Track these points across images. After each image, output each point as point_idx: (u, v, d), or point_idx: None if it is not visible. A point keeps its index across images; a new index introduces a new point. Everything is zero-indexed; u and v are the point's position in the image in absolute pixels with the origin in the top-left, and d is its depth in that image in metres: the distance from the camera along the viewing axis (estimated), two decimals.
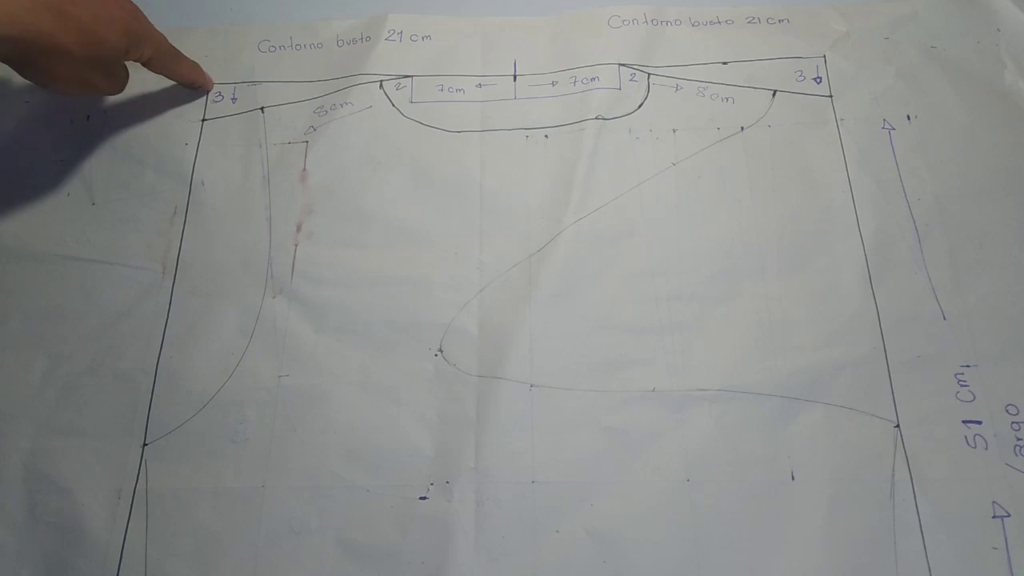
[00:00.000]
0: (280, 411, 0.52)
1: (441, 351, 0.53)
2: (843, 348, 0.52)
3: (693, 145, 0.59)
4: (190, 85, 0.63)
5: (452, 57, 0.64)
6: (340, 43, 0.65)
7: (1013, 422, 0.49)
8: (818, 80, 0.61)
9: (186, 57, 0.61)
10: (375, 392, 0.52)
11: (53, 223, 0.59)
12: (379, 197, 0.59)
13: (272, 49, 0.65)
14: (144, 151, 0.61)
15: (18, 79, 0.63)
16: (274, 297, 0.55)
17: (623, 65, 0.62)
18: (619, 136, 0.60)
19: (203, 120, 0.62)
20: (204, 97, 0.63)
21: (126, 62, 0.57)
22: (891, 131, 0.59)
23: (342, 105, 0.62)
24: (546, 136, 0.60)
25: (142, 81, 0.63)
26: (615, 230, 0.57)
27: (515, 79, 0.63)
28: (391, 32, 0.65)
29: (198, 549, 0.49)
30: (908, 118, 0.59)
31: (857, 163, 0.58)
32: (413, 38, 0.65)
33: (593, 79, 0.62)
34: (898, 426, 0.50)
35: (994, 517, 0.47)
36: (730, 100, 0.61)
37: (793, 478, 0.49)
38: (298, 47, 0.65)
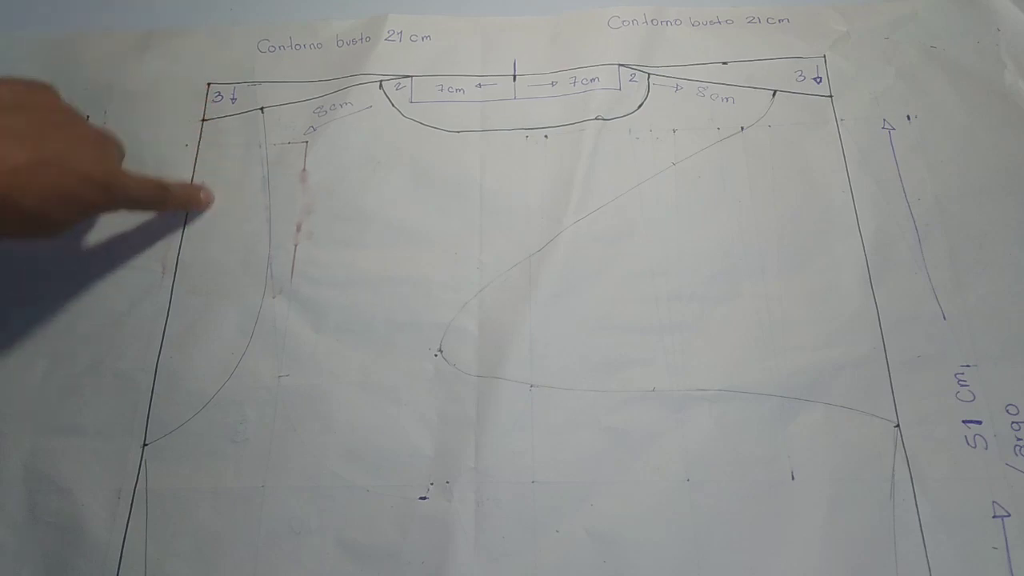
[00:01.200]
0: (280, 411, 0.52)
1: (441, 351, 0.53)
2: (843, 348, 0.52)
3: (693, 145, 0.59)
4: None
5: (452, 57, 0.64)
6: (340, 43, 0.65)
7: (1013, 422, 0.49)
8: (818, 80, 0.61)
9: (174, 187, 0.56)
10: (375, 392, 0.52)
11: None
12: (379, 197, 0.59)
13: (272, 49, 0.65)
14: (143, 152, 0.61)
15: None
16: (274, 297, 0.55)
17: (623, 65, 0.62)
18: (619, 136, 0.60)
19: (203, 120, 0.62)
20: (204, 97, 0.63)
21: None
22: (891, 131, 0.59)
23: (342, 105, 0.62)
24: (546, 136, 0.60)
25: (140, 83, 0.63)
26: (615, 230, 0.57)
27: (515, 79, 0.63)
28: (391, 32, 0.65)
29: (198, 549, 0.49)
30: (908, 118, 0.59)
31: (857, 163, 0.58)
32: (413, 38, 0.65)
33: (593, 79, 0.62)
34: (898, 426, 0.50)
35: (994, 517, 0.47)
36: (730, 100, 0.61)
37: (793, 478, 0.49)
38: (298, 47, 0.65)
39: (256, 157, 0.60)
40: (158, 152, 0.61)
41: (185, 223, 0.58)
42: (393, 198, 0.59)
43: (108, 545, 0.49)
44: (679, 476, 0.49)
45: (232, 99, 0.63)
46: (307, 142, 0.61)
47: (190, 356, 0.54)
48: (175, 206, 0.57)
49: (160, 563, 0.49)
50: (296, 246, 0.57)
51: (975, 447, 0.49)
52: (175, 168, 0.60)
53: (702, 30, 0.64)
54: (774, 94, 0.61)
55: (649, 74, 0.62)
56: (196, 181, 0.60)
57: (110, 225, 0.59)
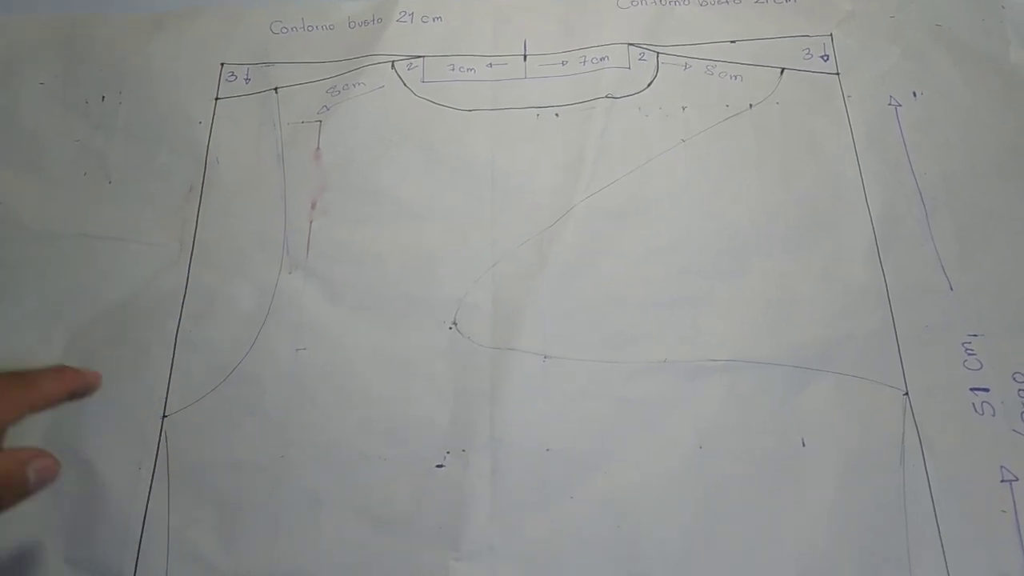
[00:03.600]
0: (298, 384, 0.53)
1: (455, 324, 0.54)
2: (852, 319, 0.53)
3: (702, 122, 0.60)
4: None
5: (463, 37, 0.64)
6: (352, 24, 0.66)
7: (1020, 389, 0.50)
8: (825, 58, 0.62)
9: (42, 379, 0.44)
10: (391, 364, 0.53)
11: (70, 202, 0.59)
12: (392, 175, 0.59)
13: (284, 30, 0.66)
14: (158, 130, 0.61)
15: (31, 61, 0.64)
16: (290, 272, 0.56)
17: (632, 44, 0.63)
18: (629, 114, 0.61)
19: (216, 99, 0.63)
20: (217, 77, 0.64)
21: None
22: (897, 108, 0.60)
23: (354, 85, 0.62)
24: (557, 115, 0.61)
25: (154, 63, 0.64)
26: (625, 206, 0.57)
27: (525, 59, 0.63)
28: (402, 13, 0.65)
29: (219, 519, 0.50)
30: (914, 95, 0.60)
31: (864, 139, 0.59)
32: (424, 19, 0.65)
33: (603, 58, 0.63)
34: (907, 394, 0.51)
35: (1002, 481, 0.48)
36: (738, 78, 0.62)
37: (804, 446, 0.50)
38: (310, 28, 0.66)
39: (270, 136, 0.61)
40: (173, 130, 0.62)
41: (201, 200, 0.59)
42: (406, 176, 0.59)
43: (130, 516, 0.50)
44: (692, 444, 0.50)
45: (246, 79, 0.63)
46: (320, 122, 0.61)
47: (208, 330, 0.55)
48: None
49: (182, 533, 0.49)
50: (311, 223, 0.58)
51: (983, 414, 0.50)
52: (190, 146, 0.61)
53: (710, 9, 0.64)
54: (782, 72, 0.62)
55: (658, 53, 0.63)
56: (211, 159, 0.60)
57: (127, 196, 0.59)
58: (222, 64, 0.64)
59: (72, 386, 0.46)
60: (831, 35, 0.63)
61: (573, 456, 0.50)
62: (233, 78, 0.64)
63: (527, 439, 0.50)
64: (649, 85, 0.62)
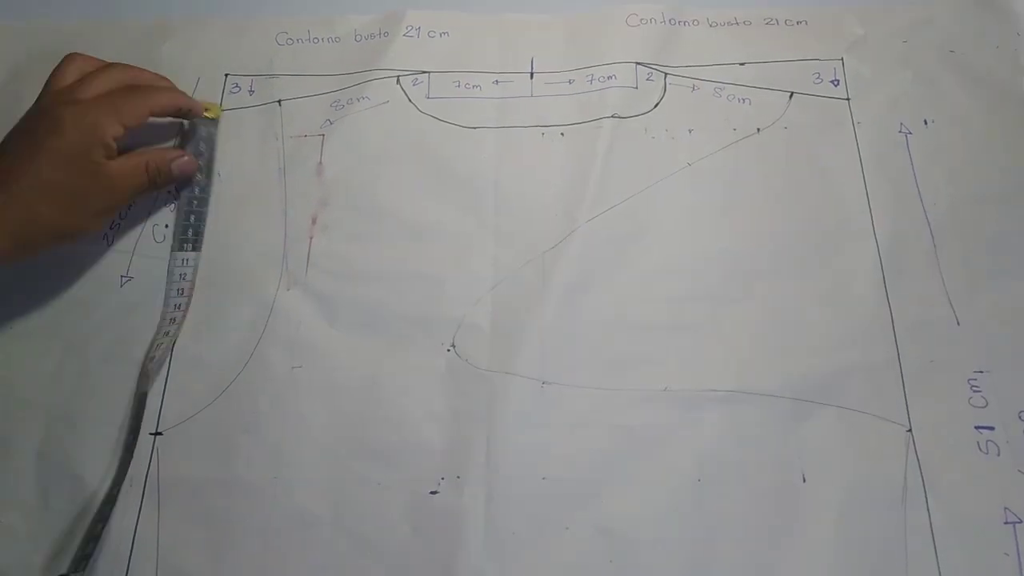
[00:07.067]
0: (293, 403, 0.52)
1: (453, 346, 0.54)
2: (856, 352, 0.52)
3: (709, 146, 0.59)
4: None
5: (469, 54, 0.64)
6: (358, 38, 0.65)
7: None
8: (835, 83, 0.61)
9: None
10: (387, 386, 0.53)
11: None
12: (394, 192, 0.59)
13: (290, 42, 0.65)
14: (158, 140, 0.61)
15: (34, 68, 0.64)
16: (288, 289, 0.56)
17: (640, 64, 0.62)
18: (635, 135, 0.60)
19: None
20: (221, 88, 0.63)
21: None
22: (908, 135, 0.59)
23: (359, 99, 0.62)
24: (562, 134, 0.60)
25: (157, 70, 0.63)
26: (629, 229, 0.57)
27: (532, 77, 0.63)
28: (409, 28, 0.65)
29: (209, 539, 0.49)
30: (925, 122, 0.59)
31: (873, 166, 0.58)
32: (431, 34, 0.65)
33: (610, 77, 0.62)
34: (910, 430, 0.50)
35: (1005, 523, 0.47)
36: (746, 101, 0.61)
37: (804, 480, 0.49)
38: (316, 40, 0.65)
39: (273, 149, 0.61)
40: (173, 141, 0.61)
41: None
42: (408, 193, 0.59)
43: (120, 533, 0.49)
44: (690, 476, 0.49)
45: (250, 91, 0.63)
46: (324, 135, 0.61)
47: (204, 346, 0.54)
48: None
49: (171, 552, 0.49)
50: (311, 239, 0.57)
51: (987, 453, 0.49)
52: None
53: (720, 30, 0.64)
54: (791, 96, 0.61)
55: (666, 73, 0.62)
56: (212, 171, 0.60)
57: (126, 208, 0.59)
58: (226, 75, 0.64)
59: (180, 101, 0.57)
60: (842, 59, 0.62)
61: (569, 485, 0.49)
62: (237, 89, 0.63)
63: (523, 467, 0.50)
64: (656, 106, 0.61)
